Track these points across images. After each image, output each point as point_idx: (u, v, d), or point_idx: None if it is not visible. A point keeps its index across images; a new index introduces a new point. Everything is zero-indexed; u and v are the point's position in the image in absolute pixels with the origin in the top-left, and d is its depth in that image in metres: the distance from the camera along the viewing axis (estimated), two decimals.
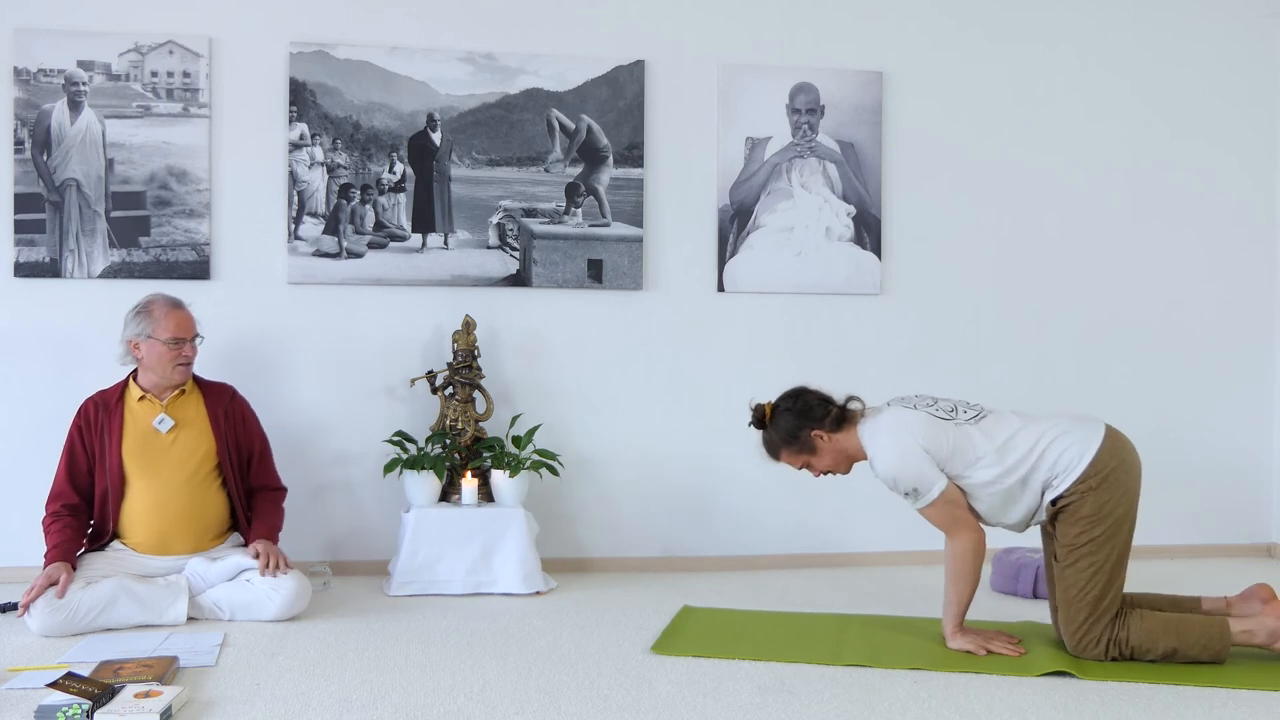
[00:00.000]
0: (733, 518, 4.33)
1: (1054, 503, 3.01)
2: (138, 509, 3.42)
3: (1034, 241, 4.51)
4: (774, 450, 3.18)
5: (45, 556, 3.34)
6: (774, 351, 4.36)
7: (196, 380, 3.61)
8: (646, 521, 4.28)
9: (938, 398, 3.18)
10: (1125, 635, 2.95)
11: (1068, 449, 2.99)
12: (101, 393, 3.54)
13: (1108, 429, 3.05)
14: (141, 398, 3.50)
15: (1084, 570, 2.96)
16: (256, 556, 3.37)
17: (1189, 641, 2.96)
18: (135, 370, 3.54)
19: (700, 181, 4.32)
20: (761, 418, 3.18)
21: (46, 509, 3.45)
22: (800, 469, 3.19)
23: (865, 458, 3.12)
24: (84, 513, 3.46)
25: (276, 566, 3.35)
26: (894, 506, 4.36)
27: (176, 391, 3.52)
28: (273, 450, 3.72)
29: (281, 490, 3.68)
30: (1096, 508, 2.97)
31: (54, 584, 3.21)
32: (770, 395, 4.29)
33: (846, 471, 3.21)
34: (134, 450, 3.44)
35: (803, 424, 3.12)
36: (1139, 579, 4.14)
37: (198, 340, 3.55)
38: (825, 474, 3.21)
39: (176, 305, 3.53)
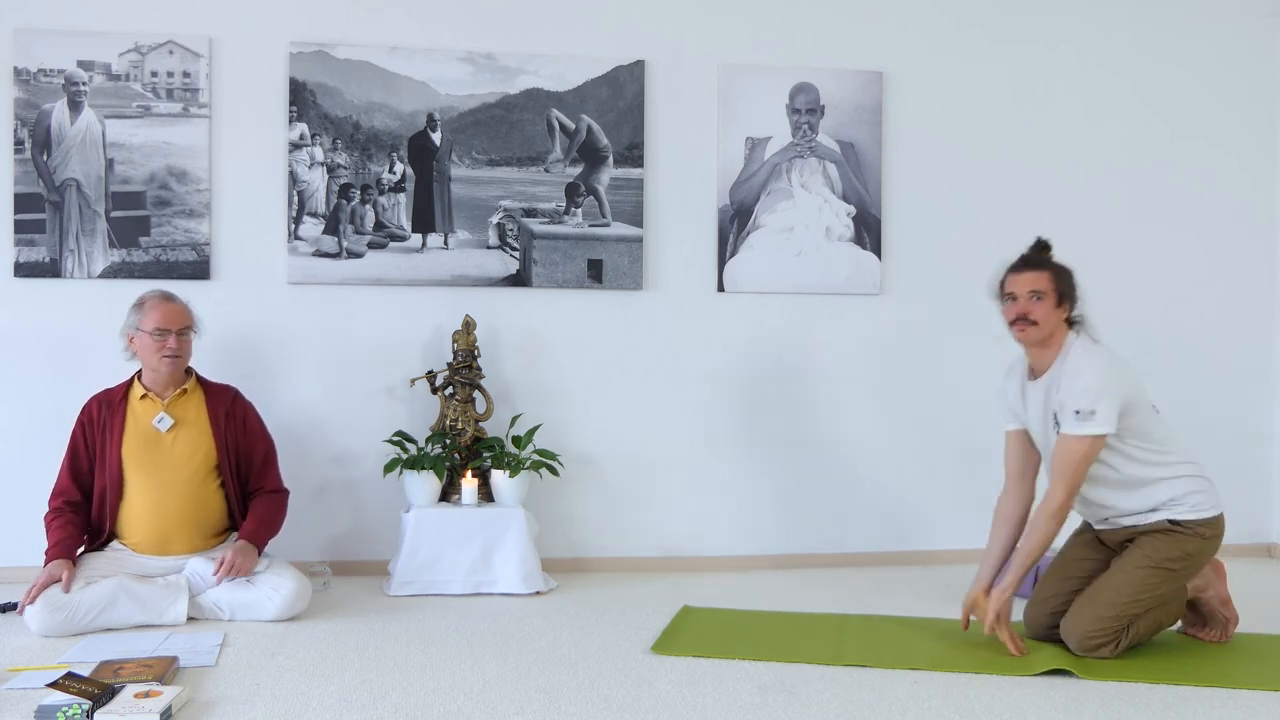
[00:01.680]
0: (733, 518, 4.33)
1: (1172, 522, 3.06)
2: (136, 509, 3.42)
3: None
4: (1038, 264, 3.11)
5: (46, 554, 3.35)
6: (774, 351, 4.36)
7: (200, 381, 3.62)
8: (646, 521, 4.28)
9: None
10: (1136, 629, 3.03)
11: (1203, 491, 3.11)
12: (106, 391, 3.55)
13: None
14: (144, 396, 3.50)
15: (1147, 586, 3.02)
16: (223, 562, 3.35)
17: (1171, 609, 3.14)
18: (140, 370, 3.54)
19: (700, 181, 4.32)
20: (1046, 247, 3.19)
21: (49, 505, 3.46)
22: (1027, 297, 3.05)
23: (1053, 354, 3.09)
24: (85, 510, 3.47)
25: (232, 571, 3.33)
26: (893, 507, 4.38)
27: (179, 391, 3.52)
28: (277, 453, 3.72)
29: (282, 492, 3.66)
30: (1197, 551, 3.07)
31: (55, 581, 3.21)
32: (769, 394, 4.33)
33: (1032, 338, 3.08)
34: (133, 448, 3.44)
35: (1073, 281, 3.14)
36: None
37: (189, 333, 3.53)
38: (1023, 323, 3.07)
39: (166, 298, 3.53)
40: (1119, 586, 3.02)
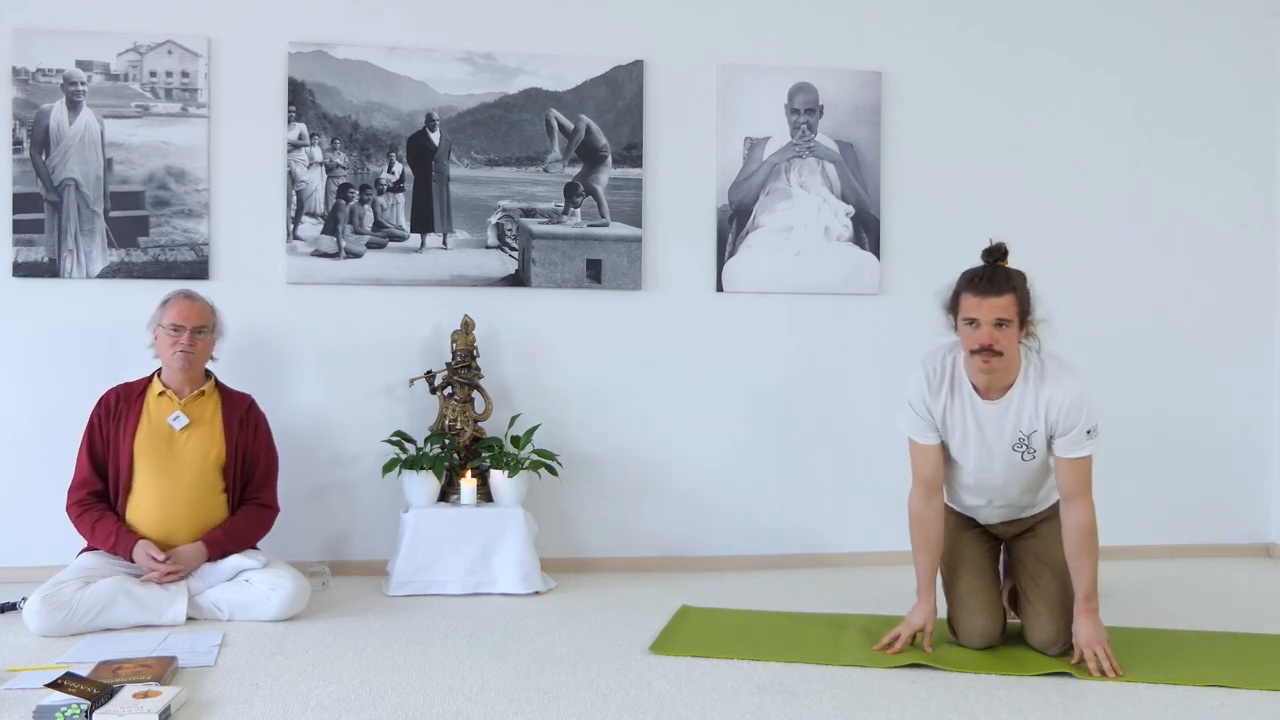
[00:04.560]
0: (732, 518, 4.33)
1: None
2: (143, 503, 3.41)
3: (1033, 242, 4.48)
4: (1001, 286, 2.83)
5: (117, 544, 3.34)
6: (773, 351, 4.36)
7: (219, 386, 3.63)
8: (646, 521, 4.28)
9: None
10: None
11: None
12: (125, 384, 3.57)
13: None
14: (161, 393, 3.52)
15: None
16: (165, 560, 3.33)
17: None
18: (161, 367, 3.56)
19: (699, 181, 4.31)
20: (1003, 254, 2.92)
21: (70, 497, 3.45)
22: (992, 325, 2.82)
23: (1013, 375, 2.92)
24: (108, 497, 3.46)
25: (169, 577, 3.32)
26: (893, 507, 4.37)
27: (196, 392, 3.53)
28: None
29: (271, 509, 3.64)
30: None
31: (158, 560, 3.31)
32: (768, 394, 4.33)
33: (997, 368, 2.87)
34: (145, 443, 3.45)
35: (1030, 293, 2.93)
36: (1140, 579, 4.15)
37: (206, 333, 3.53)
38: (988, 354, 2.84)
39: (187, 296, 3.57)
40: (1063, 579, 3.03)
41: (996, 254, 2.94)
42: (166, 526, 3.41)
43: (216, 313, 3.62)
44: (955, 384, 3.02)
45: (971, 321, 2.86)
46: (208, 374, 3.62)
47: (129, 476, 3.43)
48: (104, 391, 3.55)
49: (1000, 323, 2.83)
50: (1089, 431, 2.91)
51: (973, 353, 2.87)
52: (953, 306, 2.95)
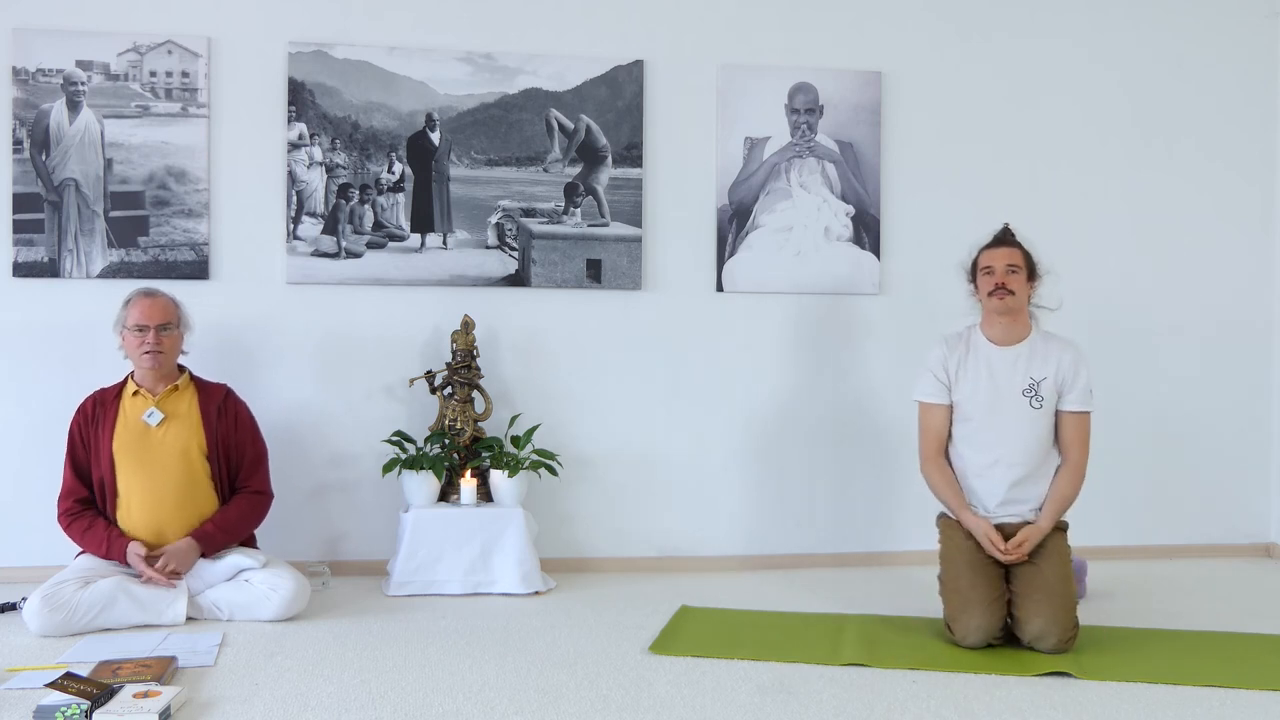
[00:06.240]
0: (732, 518, 4.33)
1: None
2: (132, 505, 3.41)
3: (1032, 242, 4.49)
4: (1011, 242, 3.39)
5: (110, 550, 3.35)
6: (773, 351, 4.36)
7: (194, 379, 3.61)
8: (646, 521, 4.28)
9: None
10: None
11: None
12: (101, 390, 3.56)
13: None
14: (135, 393, 3.50)
15: (1069, 572, 3.21)
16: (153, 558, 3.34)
17: None
18: (134, 369, 3.55)
19: (699, 181, 4.32)
20: (1011, 233, 3.46)
21: (60, 507, 3.45)
22: (1005, 269, 3.30)
23: (1023, 328, 3.35)
24: (96, 504, 3.47)
25: (164, 573, 3.31)
26: (892, 507, 4.38)
27: (170, 387, 3.52)
28: (270, 452, 3.70)
29: (263, 495, 3.62)
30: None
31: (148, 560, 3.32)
32: (768, 394, 4.34)
33: (1010, 305, 3.30)
34: (124, 443, 3.44)
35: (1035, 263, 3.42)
36: (1140, 579, 4.15)
37: (171, 329, 3.50)
38: (1002, 292, 3.28)
39: (148, 294, 3.54)
40: (1065, 578, 3.14)
41: (1008, 229, 3.48)
42: (157, 524, 3.40)
43: (180, 307, 3.59)
44: (970, 345, 3.39)
45: (988, 269, 3.34)
46: (181, 369, 3.60)
47: (113, 479, 3.42)
48: (82, 399, 3.54)
49: (1011, 268, 3.31)
50: (1091, 390, 3.31)
51: (989, 294, 3.31)
52: (973, 269, 3.43)
